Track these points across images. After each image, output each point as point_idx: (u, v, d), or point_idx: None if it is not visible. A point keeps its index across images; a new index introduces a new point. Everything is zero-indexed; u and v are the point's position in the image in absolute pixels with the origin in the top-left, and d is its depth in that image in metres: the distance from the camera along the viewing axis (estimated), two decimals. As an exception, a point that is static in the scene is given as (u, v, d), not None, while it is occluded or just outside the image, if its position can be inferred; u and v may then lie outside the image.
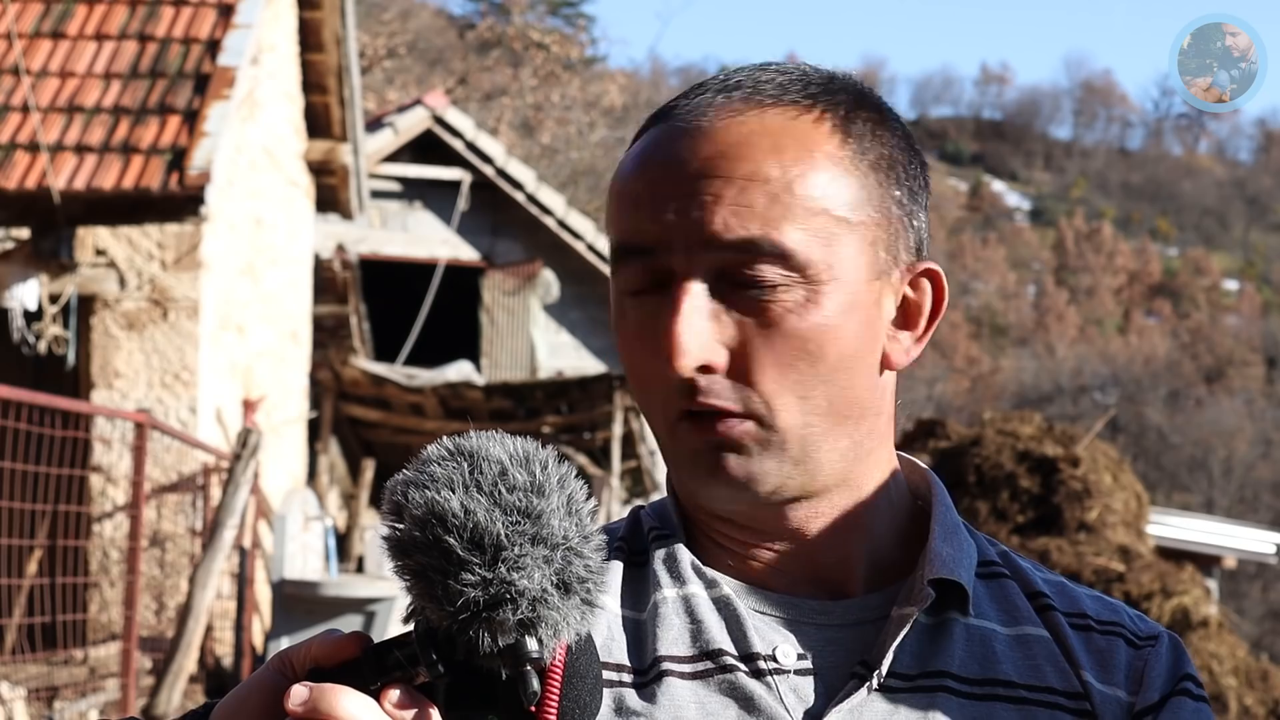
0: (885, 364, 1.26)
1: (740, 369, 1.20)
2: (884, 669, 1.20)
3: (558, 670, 1.02)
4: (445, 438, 1.03)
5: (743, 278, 1.19)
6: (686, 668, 1.21)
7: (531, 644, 0.98)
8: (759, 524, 1.25)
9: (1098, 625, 1.28)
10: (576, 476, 1.03)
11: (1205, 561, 14.88)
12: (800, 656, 1.22)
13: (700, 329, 1.19)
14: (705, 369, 1.19)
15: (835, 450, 1.23)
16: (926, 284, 1.28)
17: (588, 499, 1.03)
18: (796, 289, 1.19)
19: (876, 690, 1.20)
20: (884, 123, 1.26)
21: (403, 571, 1.00)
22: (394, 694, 1.00)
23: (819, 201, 1.20)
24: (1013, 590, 1.29)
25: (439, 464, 1.01)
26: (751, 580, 1.25)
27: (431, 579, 0.98)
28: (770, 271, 1.19)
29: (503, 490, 0.99)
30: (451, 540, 0.98)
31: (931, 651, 1.23)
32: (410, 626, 1.02)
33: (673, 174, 1.20)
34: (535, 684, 0.99)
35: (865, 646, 1.22)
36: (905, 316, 1.27)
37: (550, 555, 0.99)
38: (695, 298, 1.19)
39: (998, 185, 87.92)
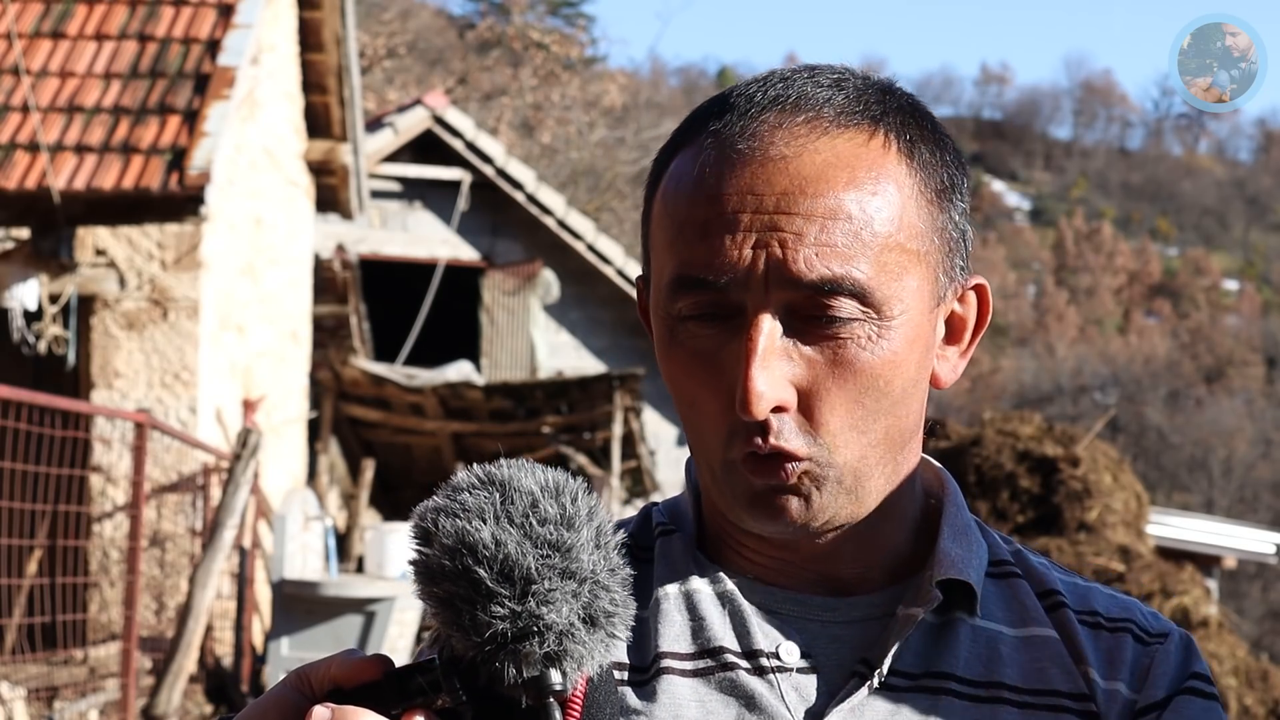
0: (933, 383, 1.25)
1: (808, 407, 1.17)
2: (885, 668, 1.19)
3: (578, 701, 1.01)
4: (476, 465, 1.02)
5: (816, 313, 1.16)
6: (687, 665, 1.20)
7: (555, 676, 0.98)
8: (793, 544, 1.24)
9: (1107, 623, 1.26)
10: (604, 508, 1.02)
11: (1205, 561, 14.88)
12: (804, 654, 1.20)
13: (775, 370, 1.16)
14: (778, 409, 1.16)
15: (883, 477, 1.22)
16: (973, 297, 1.27)
17: (615, 531, 1.02)
18: (868, 324, 1.17)
19: (878, 689, 1.19)
20: (939, 141, 1.23)
21: (429, 598, 0.99)
22: (416, 719, 1.00)
23: (893, 237, 1.17)
24: (1023, 590, 1.27)
25: (470, 492, 1.00)
26: (760, 578, 1.24)
27: (459, 608, 0.98)
28: (846, 308, 1.16)
29: (534, 523, 0.98)
30: (481, 571, 0.97)
31: (935, 652, 1.22)
32: (429, 649, 1.02)
33: (747, 206, 1.16)
34: (558, 716, 0.99)
35: (869, 644, 1.21)
36: (951, 331, 1.26)
37: (578, 589, 0.98)
38: (769, 338, 1.16)
39: (997, 185, 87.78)
